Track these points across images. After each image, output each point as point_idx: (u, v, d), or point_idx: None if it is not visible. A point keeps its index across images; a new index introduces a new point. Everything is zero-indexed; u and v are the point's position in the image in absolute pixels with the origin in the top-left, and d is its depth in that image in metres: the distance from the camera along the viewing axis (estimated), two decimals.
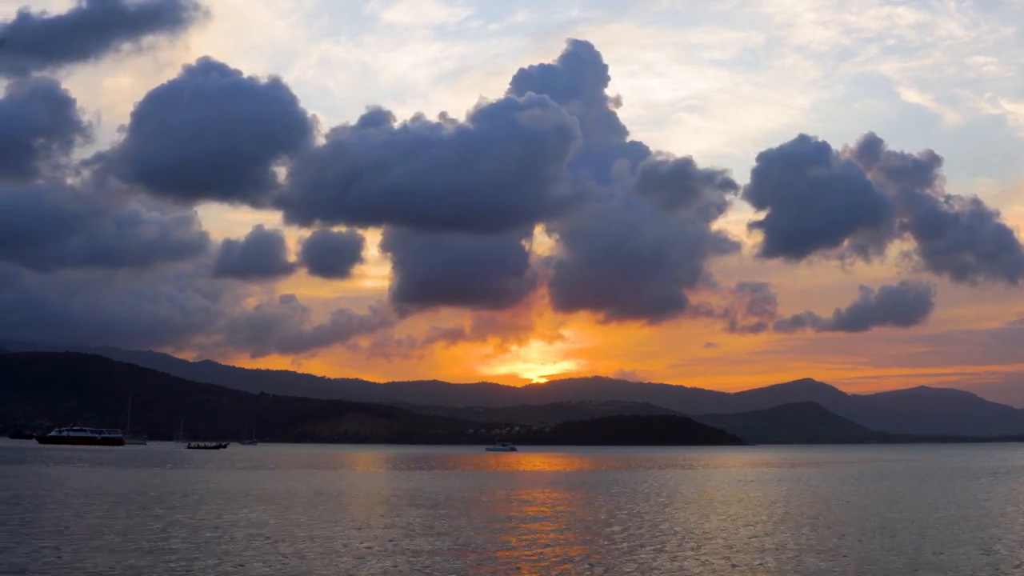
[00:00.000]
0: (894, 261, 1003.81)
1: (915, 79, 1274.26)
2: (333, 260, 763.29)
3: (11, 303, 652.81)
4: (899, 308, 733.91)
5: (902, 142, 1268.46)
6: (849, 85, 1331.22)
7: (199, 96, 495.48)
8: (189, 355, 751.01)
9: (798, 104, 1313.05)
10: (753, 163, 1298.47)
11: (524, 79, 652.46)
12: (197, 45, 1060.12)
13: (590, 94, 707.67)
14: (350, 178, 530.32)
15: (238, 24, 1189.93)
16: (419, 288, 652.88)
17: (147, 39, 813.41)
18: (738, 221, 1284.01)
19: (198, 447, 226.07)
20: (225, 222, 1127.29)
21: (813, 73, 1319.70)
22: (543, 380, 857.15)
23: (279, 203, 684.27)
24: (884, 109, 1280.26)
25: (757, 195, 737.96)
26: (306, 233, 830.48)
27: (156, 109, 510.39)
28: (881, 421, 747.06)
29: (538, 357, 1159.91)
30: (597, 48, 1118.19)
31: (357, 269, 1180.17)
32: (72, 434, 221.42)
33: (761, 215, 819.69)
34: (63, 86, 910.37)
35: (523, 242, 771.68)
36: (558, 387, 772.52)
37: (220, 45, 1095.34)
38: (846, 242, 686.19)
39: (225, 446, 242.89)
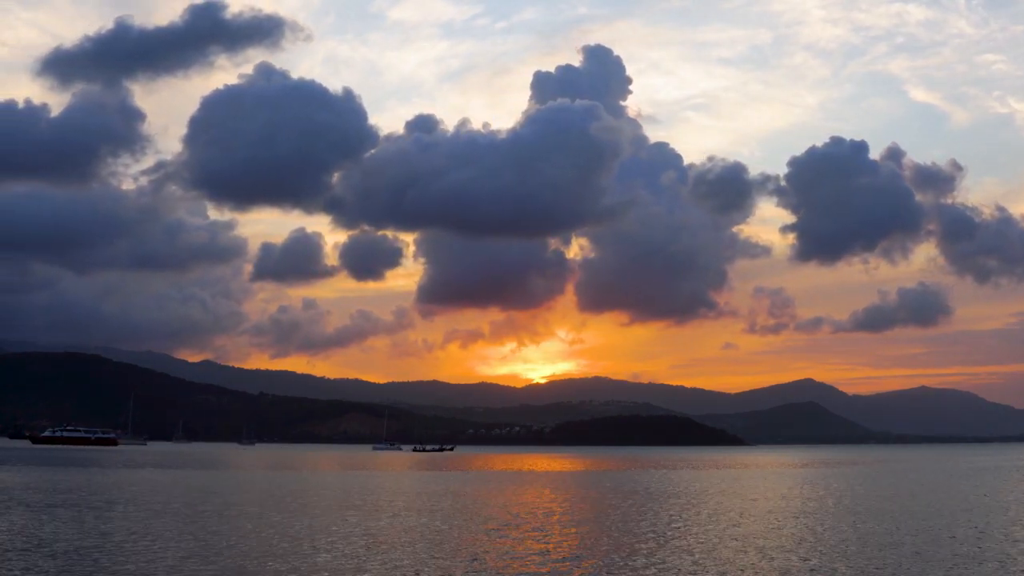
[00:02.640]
0: (919, 265, 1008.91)
1: (924, 77, 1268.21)
2: (371, 263, 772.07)
3: (45, 305, 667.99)
4: (915, 310, 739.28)
5: (910, 141, 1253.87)
6: (857, 84, 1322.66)
7: (261, 102, 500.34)
8: (207, 356, 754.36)
9: (806, 103, 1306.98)
10: (760, 162, 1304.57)
11: (544, 82, 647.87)
12: (292, 63, 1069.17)
13: (612, 100, 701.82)
14: (401, 184, 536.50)
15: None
16: (446, 290, 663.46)
17: (245, 54, 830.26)
18: (767, 222, 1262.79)
19: (423, 450, 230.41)
20: (276, 226, 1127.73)
21: (821, 71, 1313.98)
22: (543, 380, 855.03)
23: (329, 208, 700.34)
24: (892, 108, 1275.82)
25: (791, 198, 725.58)
26: (343, 237, 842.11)
27: (215, 115, 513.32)
28: (882, 421, 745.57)
29: (539, 357, 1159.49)
30: (616, 53, 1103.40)
31: (392, 272, 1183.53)
32: (66, 434, 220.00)
33: (792, 218, 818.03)
34: (149, 96, 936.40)
35: (557, 246, 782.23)
36: (558, 387, 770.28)
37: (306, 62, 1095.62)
38: (878, 247, 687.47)
39: (452, 448, 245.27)
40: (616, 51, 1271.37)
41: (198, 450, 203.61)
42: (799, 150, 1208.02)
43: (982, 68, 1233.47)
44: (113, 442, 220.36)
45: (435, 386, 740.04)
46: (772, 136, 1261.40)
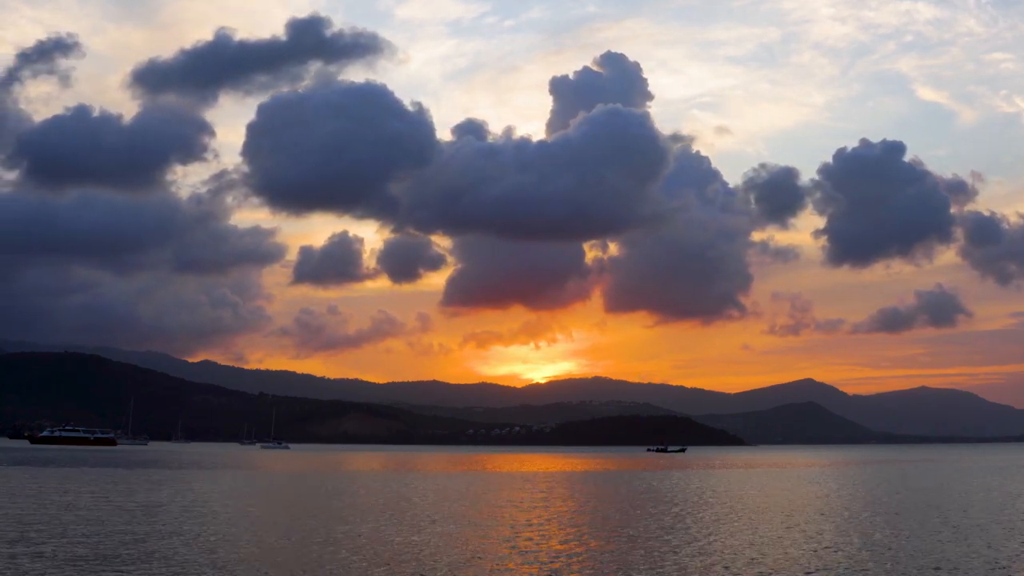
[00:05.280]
0: (940, 268, 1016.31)
1: (931, 76, 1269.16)
2: (411, 267, 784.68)
3: (76, 307, 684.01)
4: (931, 312, 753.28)
5: (916, 140, 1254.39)
6: (865, 83, 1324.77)
7: (319, 109, 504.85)
8: (226, 359, 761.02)
9: (814, 102, 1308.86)
10: (766, 163, 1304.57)
11: (563, 87, 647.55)
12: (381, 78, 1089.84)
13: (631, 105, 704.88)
14: (454, 189, 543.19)
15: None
16: (474, 291, 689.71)
17: (343, 70, 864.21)
18: (799, 227, 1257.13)
19: (664, 450, 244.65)
20: (319, 230, 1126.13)
21: (830, 70, 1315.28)
22: (543, 380, 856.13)
23: (379, 212, 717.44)
24: (900, 107, 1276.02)
25: (825, 203, 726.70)
26: (382, 242, 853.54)
27: (275, 122, 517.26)
28: (882, 422, 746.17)
29: (541, 357, 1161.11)
30: (633, 59, 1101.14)
31: (429, 276, 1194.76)
32: (64, 434, 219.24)
33: (823, 222, 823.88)
34: (237, 107, 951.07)
35: (594, 250, 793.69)
36: (558, 387, 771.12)
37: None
38: (909, 252, 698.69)
39: (684, 450, 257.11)
40: (623, 50, 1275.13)
41: (215, 451, 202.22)
42: (806, 149, 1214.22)
43: (990, 67, 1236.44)
44: (112, 442, 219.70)
45: (435, 386, 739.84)
46: (779, 136, 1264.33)
